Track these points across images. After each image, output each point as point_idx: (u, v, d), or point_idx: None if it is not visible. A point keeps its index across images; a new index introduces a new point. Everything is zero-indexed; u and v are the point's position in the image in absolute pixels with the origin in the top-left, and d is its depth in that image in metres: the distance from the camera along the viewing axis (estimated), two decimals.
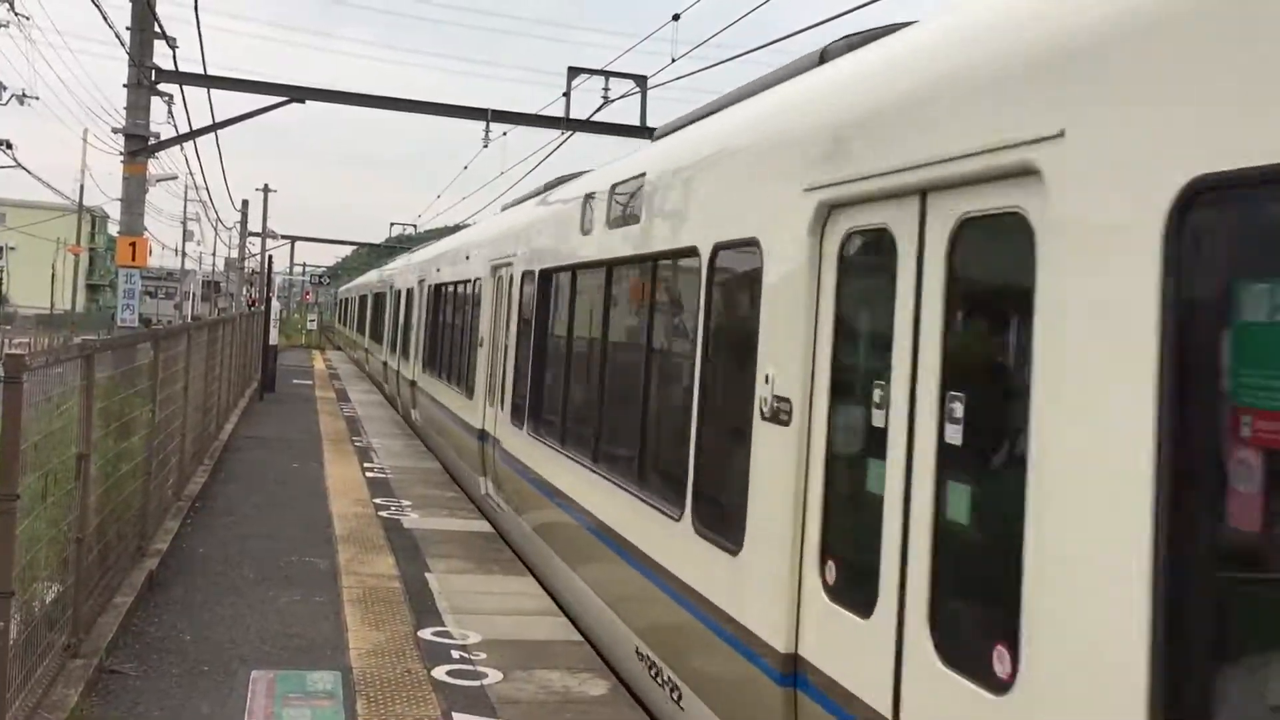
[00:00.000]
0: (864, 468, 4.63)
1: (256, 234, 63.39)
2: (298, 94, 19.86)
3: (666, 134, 8.71)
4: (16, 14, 24.90)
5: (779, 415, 5.23)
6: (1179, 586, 2.94)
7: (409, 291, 25.22)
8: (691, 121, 8.16)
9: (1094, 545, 3.20)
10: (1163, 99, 3.12)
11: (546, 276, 11.26)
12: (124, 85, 18.23)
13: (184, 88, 20.49)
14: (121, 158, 18.37)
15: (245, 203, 65.16)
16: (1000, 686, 3.61)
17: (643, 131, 19.93)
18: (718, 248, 6.32)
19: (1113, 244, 3.24)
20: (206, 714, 6.79)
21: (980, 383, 3.99)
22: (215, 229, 74.06)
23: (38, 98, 46.82)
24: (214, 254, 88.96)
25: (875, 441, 4.49)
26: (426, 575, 10.41)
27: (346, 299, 61.61)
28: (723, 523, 5.90)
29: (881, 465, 4.41)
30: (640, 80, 20.63)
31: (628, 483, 7.83)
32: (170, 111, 36.34)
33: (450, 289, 18.53)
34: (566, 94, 20.63)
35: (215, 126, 21.15)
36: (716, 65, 16.40)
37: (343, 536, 11.89)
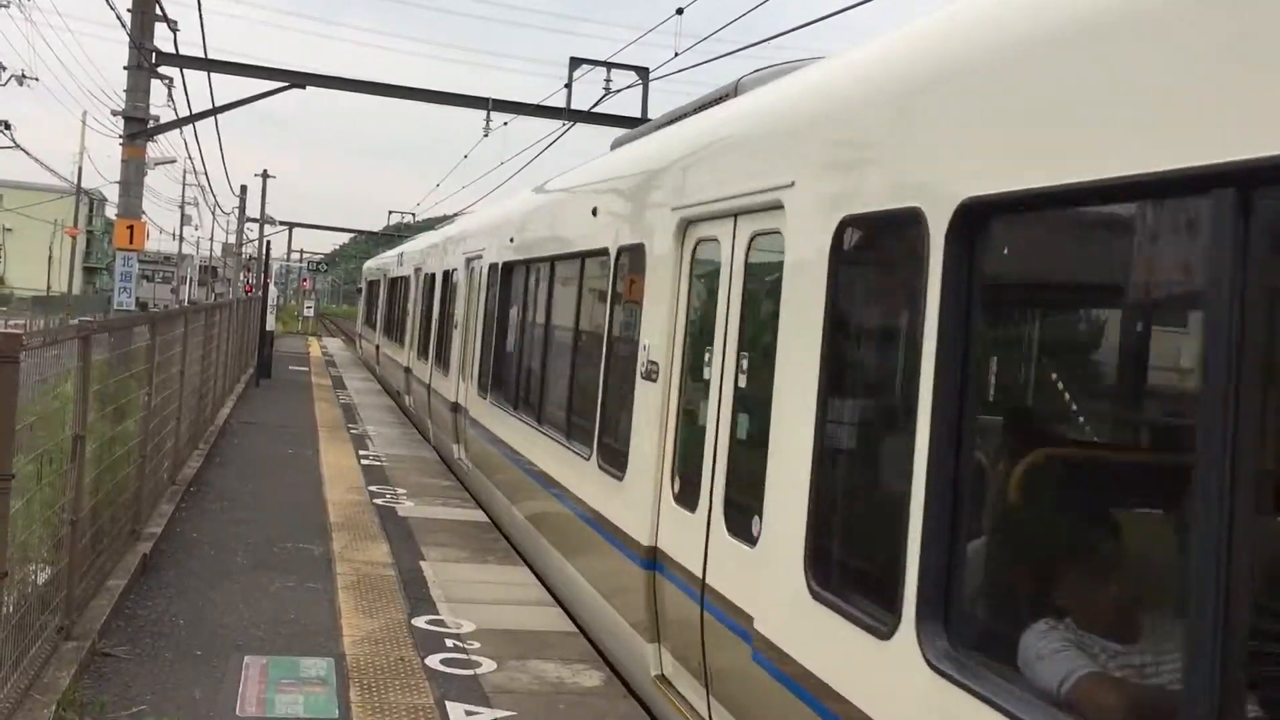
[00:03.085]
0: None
1: (255, 220, 63.30)
2: (298, 79, 19.83)
3: None
4: None
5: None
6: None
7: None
8: None
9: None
10: None
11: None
12: (124, 68, 18.19)
13: (184, 71, 20.46)
14: (120, 140, 18.33)
15: (244, 188, 64.98)
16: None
17: (646, 123, 19.88)
18: None
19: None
20: (199, 698, 6.77)
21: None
22: (213, 214, 74.11)
23: (37, 79, 46.53)
24: (211, 239, 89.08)
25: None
26: (421, 563, 10.39)
27: (402, 278, 27.25)
28: None
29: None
30: (642, 72, 20.61)
31: None
32: (170, 95, 36.17)
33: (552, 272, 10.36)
34: (568, 85, 20.63)
35: (215, 111, 21.11)
36: (719, 59, 16.40)
37: (337, 523, 11.87)
